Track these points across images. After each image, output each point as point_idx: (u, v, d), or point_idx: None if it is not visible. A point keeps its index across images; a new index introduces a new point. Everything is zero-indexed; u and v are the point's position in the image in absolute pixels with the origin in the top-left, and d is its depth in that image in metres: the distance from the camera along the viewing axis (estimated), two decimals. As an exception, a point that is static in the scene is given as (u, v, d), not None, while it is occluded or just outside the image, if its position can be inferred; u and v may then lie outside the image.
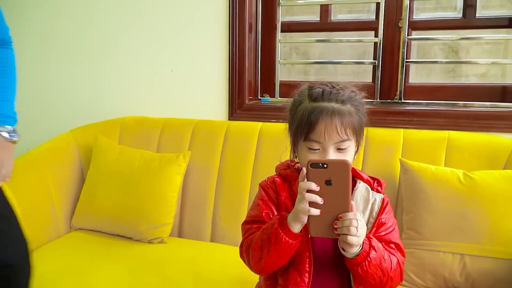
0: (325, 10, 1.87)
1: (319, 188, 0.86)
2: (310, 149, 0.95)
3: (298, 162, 1.03)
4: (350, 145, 0.95)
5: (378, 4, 1.74)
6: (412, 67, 1.85)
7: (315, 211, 0.86)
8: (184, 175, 1.72)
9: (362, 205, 1.00)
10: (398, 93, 1.75)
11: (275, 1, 1.84)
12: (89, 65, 2.08)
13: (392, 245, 0.99)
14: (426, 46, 2.18)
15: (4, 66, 1.28)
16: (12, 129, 1.25)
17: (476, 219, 1.33)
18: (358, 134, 0.96)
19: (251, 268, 1.00)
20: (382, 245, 0.96)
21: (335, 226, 0.86)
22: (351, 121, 0.94)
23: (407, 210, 1.44)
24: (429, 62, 2.05)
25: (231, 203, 1.70)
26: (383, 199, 1.00)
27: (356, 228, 0.85)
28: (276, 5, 1.83)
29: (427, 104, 1.71)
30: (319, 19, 1.89)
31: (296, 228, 0.90)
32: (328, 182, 0.85)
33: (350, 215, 0.86)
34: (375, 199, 1.00)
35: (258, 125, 1.75)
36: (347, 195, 0.85)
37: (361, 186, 1.02)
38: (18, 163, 1.35)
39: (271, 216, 1.00)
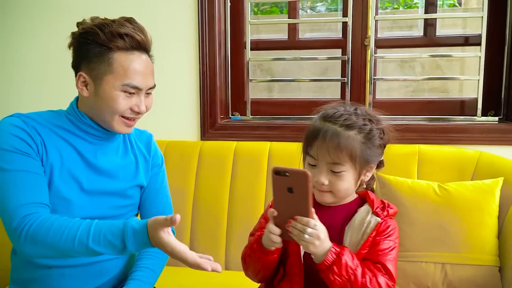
0: (293, 28, 1.89)
1: (276, 214, 0.92)
2: (310, 164, 1.00)
3: None
4: (346, 171, 0.97)
5: (344, 23, 1.79)
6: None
7: (279, 245, 0.94)
8: (157, 199, 1.65)
9: (357, 227, 1.02)
10: (366, 109, 1.80)
11: (244, 20, 1.84)
12: (58, 88, 1.94)
13: (379, 265, 0.99)
14: (383, 62, 2.29)
15: None
16: None
17: (454, 229, 1.40)
18: (356, 161, 0.96)
19: (247, 276, 1.08)
20: (367, 263, 0.98)
21: (287, 229, 0.91)
22: (348, 147, 0.95)
23: (387, 224, 1.47)
24: (399, 80, 2.13)
25: (209, 227, 1.65)
26: (380, 223, 1.01)
27: (305, 234, 0.89)
28: (245, 23, 1.82)
29: (395, 119, 1.78)
30: (287, 37, 1.91)
31: (270, 247, 0.96)
32: (290, 190, 0.89)
33: (303, 220, 0.90)
34: (370, 221, 1.01)
35: (232, 144, 1.72)
36: (307, 203, 0.89)
37: (362, 209, 1.04)
38: None
39: None
